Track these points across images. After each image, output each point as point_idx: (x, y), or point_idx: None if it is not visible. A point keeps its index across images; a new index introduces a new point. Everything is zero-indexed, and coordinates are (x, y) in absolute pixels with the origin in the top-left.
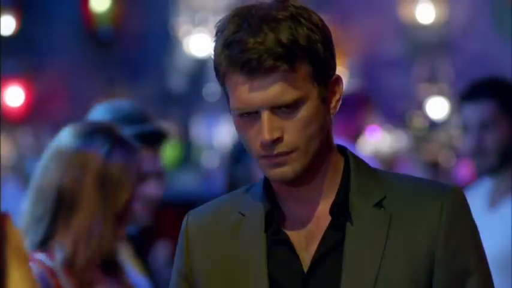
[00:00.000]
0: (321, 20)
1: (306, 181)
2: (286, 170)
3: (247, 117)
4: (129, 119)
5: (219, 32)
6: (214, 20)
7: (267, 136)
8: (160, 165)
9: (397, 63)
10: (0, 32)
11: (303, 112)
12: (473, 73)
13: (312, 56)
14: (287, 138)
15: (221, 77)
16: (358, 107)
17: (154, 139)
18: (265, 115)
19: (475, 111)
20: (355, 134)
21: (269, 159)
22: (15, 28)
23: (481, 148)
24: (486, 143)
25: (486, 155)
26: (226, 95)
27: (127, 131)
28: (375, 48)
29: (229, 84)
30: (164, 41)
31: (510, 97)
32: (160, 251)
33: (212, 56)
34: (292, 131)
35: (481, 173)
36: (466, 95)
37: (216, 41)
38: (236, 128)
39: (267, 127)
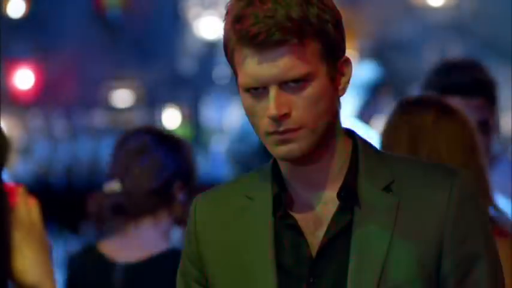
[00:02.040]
0: (332, 2)
1: (312, 161)
2: (293, 147)
3: (255, 93)
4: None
5: (230, 10)
6: (224, 2)
7: (274, 111)
8: (484, 116)
9: (407, 46)
10: (10, 14)
11: (312, 89)
12: (483, 56)
13: (322, 35)
14: (295, 114)
15: (230, 52)
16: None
17: (470, 89)
18: (273, 90)
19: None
20: (369, 118)
21: (276, 135)
22: (25, 10)
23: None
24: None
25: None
26: (234, 72)
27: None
28: (385, 31)
29: (238, 59)
30: (174, 23)
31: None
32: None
33: (222, 33)
34: (300, 107)
35: None
36: (447, 84)
37: (226, 18)
38: (244, 106)
39: (274, 102)
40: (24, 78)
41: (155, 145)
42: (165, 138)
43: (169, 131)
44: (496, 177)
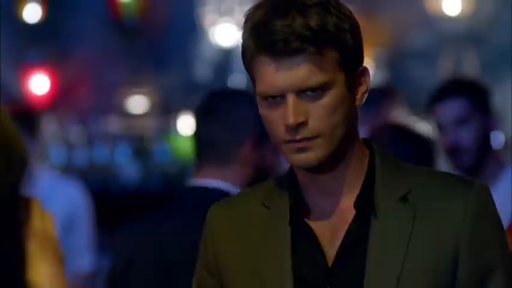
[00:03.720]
0: (350, 11)
1: (329, 170)
2: (310, 156)
3: (272, 101)
4: None
5: (248, 18)
6: (240, 10)
7: (291, 119)
8: None
9: (423, 55)
10: (26, 20)
11: (329, 98)
12: (499, 66)
13: (340, 44)
14: (312, 123)
15: (248, 61)
16: (384, 101)
17: None
18: (291, 98)
19: (450, 110)
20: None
21: (293, 144)
22: (41, 16)
23: (457, 146)
24: (462, 140)
25: (462, 152)
26: (252, 80)
27: None
28: (401, 40)
29: (256, 67)
30: (190, 30)
31: (480, 94)
32: None
33: (240, 41)
34: (317, 116)
35: (457, 171)
36: (437, 95)
37: (245, 26)
38: (261, 114)
39: (292, 110)
40: (39, 84)
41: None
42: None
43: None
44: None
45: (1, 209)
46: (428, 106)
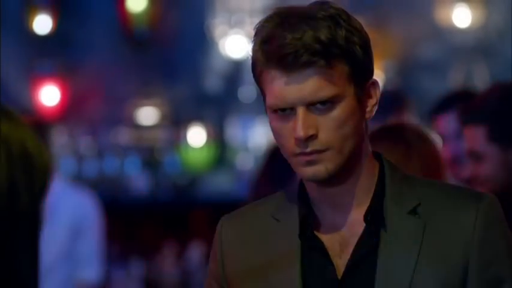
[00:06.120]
0: (360, 24)
1: (339, 183)
2: (320, 169)
3: (282, 114)
4: None
5: (258, 31)
6: (250, 22)
7: (301, 133)
8: None
9: (433, 67)
10: (37, 31)
11: (339, 111)
12: (509, 77)
13: (350, 57)
14: (321, 136)
15: (258, 74)
16: (393, 108)
17: None
18: (301, 111)
19: (449, 121)
20: None
21: (303, 157)
22: (52, 27)
23: (456, 158)
24: (462, 152)
25: (462, 164)
26: (262, 93)
27: None
28: (411, 52)
29: (266, 81)
30: (200, 42)
31: None
32: (194, 252)
33: (250, 54)
34: (327, 129)
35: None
36: (438, 107)
37: (254, 39)
38: (271, 127)
39: (302, 124)
40: (50, 95)
41: None
42: None
43: None
44: None
45: (23, 224)
46: (430, 117)
